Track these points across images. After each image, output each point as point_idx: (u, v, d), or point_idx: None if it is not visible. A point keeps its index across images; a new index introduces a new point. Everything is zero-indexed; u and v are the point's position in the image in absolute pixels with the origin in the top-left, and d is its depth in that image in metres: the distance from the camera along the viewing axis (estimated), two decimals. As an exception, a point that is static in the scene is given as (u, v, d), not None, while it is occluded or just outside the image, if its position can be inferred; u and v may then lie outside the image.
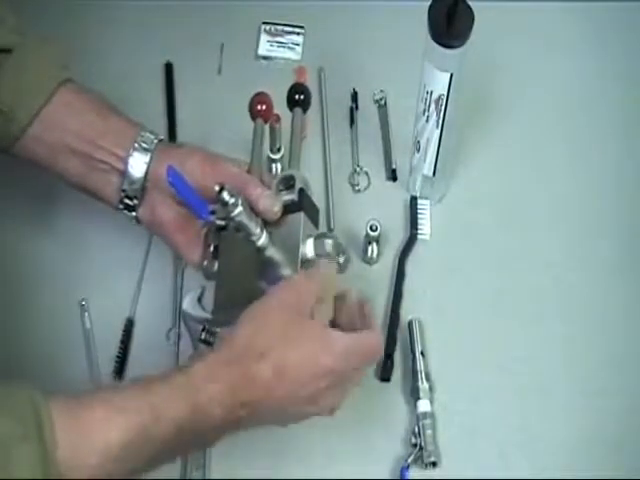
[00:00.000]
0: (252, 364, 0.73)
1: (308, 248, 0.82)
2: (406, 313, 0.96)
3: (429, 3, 0.83)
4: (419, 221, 1.00)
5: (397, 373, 0.94)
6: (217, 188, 0.78)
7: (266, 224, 0.82)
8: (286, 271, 0.81)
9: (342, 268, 0.84)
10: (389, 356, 0.93)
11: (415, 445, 0.89)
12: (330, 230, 1.00)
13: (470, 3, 0.83)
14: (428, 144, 0.95)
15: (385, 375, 0.93)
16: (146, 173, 0.86)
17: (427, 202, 1.01)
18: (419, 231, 1.00)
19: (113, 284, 0.98)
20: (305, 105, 0.91)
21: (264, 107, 0.90)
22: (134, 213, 0.88)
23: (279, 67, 1.09)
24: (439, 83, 0.87)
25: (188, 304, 0.86)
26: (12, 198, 1.00)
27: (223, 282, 0.82)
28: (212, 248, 0.84)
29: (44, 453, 0.64)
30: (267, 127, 0.92)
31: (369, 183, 1.03)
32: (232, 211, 0.79)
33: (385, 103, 1.07)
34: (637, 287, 0.98)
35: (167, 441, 0.70)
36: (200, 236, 0.86)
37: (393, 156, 1.04)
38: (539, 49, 1.10)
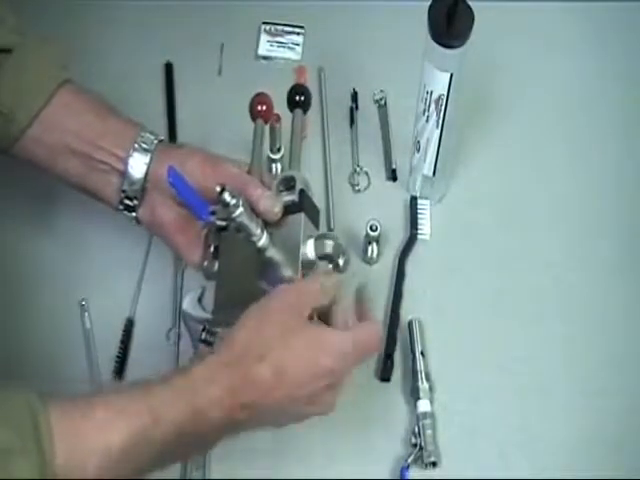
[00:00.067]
0: (252, 366, 0.73)
1: (309, 249, 0.82)
2: (406, 313, 0.96)
3: (429, 3, 0.83)
4: (419, 221, 1.00)
5: (397, 373, 0.94)
6: (218, 189, 0.78)
7: (266, 225, 0.82)
8: (287, 272, 0.81)
9: (342, 269, 0.84)
10: (389, 356, 0.93)
11: (415, 445, 0.89)
12: (330, 230, 1.00)
13: (470, 3, 0.83)
14: (428, 144, 0.95)
15: (385, 375, 0.93)
16: (146, 174, 0.86)
17: (427, 202, 1.01)
18: (419, 231, 1.00)
19: (113, 284, 0.98)
20: (305, 106, 0.91)
21: (264, 107, 0.90)
22: (134, 214, 0.88)
23: (279, 67, 1.09)
24: (439, 83, 0.87)
25: (188, 304, 0.86)
26: (12, 198, 1.00)
27: (223, 282, 0.82)
28: (212, 248, 0.84)
29: (42, 462, 0.64)
30: (267, 127, 0.92)
31: (369, 183, 1.03)
32: (233, 212, 0.79)
33: (385, 103, 1.07)
34: (637, 287, 0.98)
35: (167, 443, 0.70)
36: (200, 237, 0.86)
37: (393, 156, 1.04)
38: (539, 49, 1.10)
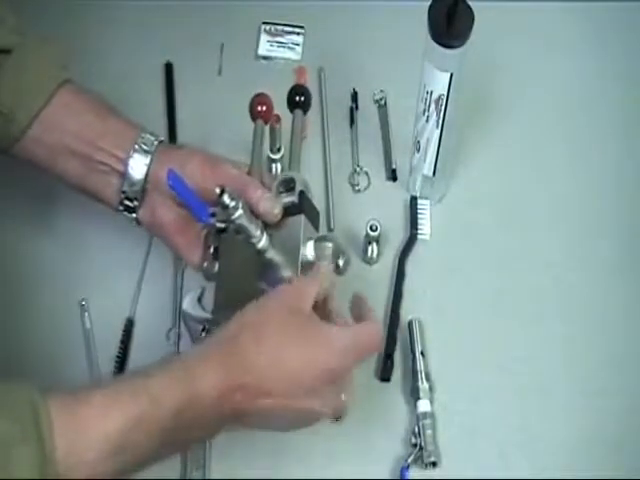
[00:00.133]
0: (248, 349, 0.73)
1: (308, 250, 0.82)
2: (406, 313, 0.96)
3: (429, 3, 0.83)
4: (419, 221, 1.00)
5: (397, 373, 0.94)
6: (218, 191, 0.78)
7: (266, 226, 0.82)
8: (286, 273, 0.81)
9: (342, 270, 0.84)
10: (389, 356, 0.93)
11: (415, 445, 0.89)
12: (330, 230, 1.00)
13: (470, 3, 0.83)
14: (428, 144, 0.95)
15: (385, 375, 0.93)
16: (146, 175, 0.86)
17: (427, 202, 1.01)
18: (419, 231, 1.00)
19: (113, 284, 0.98)
20: (305, 107, 0.91)
21: (264, 108, 0.90)
22: (134, 215, 0.88)
23: (279, 67, 1.09)
24: (439, 83, 0.87)
25: (188, 304, 0.86)
26: (12, 198, 1.00)
27: (223, 284, 0.82)
28: (212, 250, 0.84)
29: (43, 454, 0.64)
30: (267, 127, 0.92)
31: (369, 183, 1.03)
32: (232, 214, 0.79)
33: (385, 103, 1.07)
34: (637, 287, 0.98)
35: (166, 429, 0.69)
36: (200, 238, 0.86)
37: (393, 156, 1.04)
38: (539, 49, 1.10)
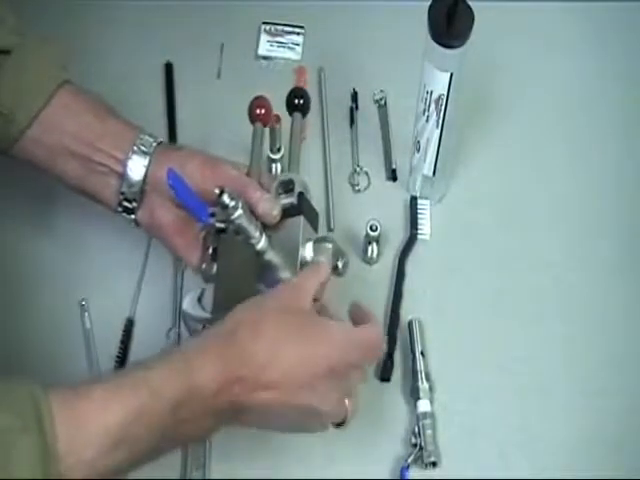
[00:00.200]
0: (246, 341, 0.73)
1: (307, 252, 0.82)
2: (406, 313, 0.96)
3: (429, 3, 0.83)
4: (419, 221, 1.00)
5: (397, 373, 0.94)
6: (217, 191, 0.78)
7: (265, 227, 0.82)
8: (285, 274, 0.81)
9: (341, 272, 0.84)
10: (389, 356, 0.93)
11: (415, 445, 0.89)
12: (330, 230, 1.00)
13: (470, 3, 0.83)
14: (428, 144, 0.95)
15: (385, 375, 0.93)
16: (145, 176, 0.86)
17: (427, 202, 1.01)
18: (419, 231, 1.00)
19: (113, 284, 0.98)
20: (304, 109, 0.91)
21: (263, 111, 0.90)
22: (133, 216, 0.88)
23: (279, 67, 1.09)
24: (439, 83, 0.87)
25: (188, 304, 0.86)
26: (12, 198, 1.00)
27: (222, 285, 0.82)
28: (211, 251, 0.84)
29: (44, 445, 0.64)
30: (267, 128, 0.92)
31: (369, 183, 1.03)
32: (232, 214, 0.79)
33: (385, 103, 1.07)
34: (637, 287, 0.98)
35: (165, 422, 0.69)
36: (199, 239, 0.86)
37: (393, 156, 1.04)
38: (539, 49, 1.10)
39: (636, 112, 1.07)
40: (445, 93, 0.88)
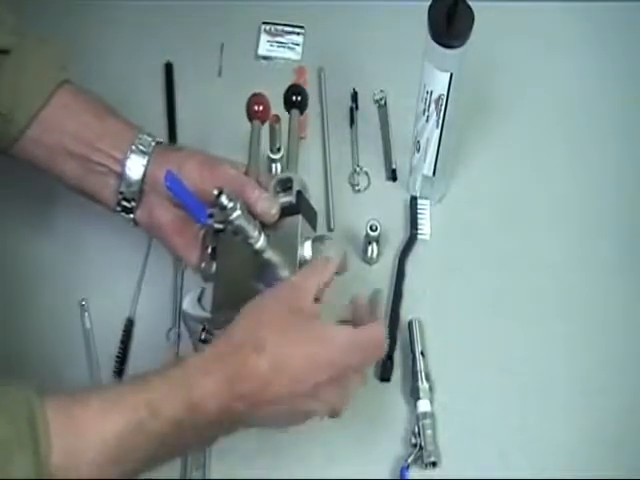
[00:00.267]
0: (248, 356, 0.72)
1: (306, 250, 0.82)
2: (406, 313, 0.96)
3: (429, 3, 0.83)
4: (419, 221, 1.00)
5: (397, 373, 0.94)
6: (215, 192, 0.77)
7: (264, 226, 0.82)
8: (284, 273, 0.81)
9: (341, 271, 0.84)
10: (389, 356, 0.93)
11: (415, 445, 0.89)
12: (330, 230, 1.00)
13: (470, 3, 0.83)
14: (428, 144, 0.95)
15: (385, 375, 0.93)
16: (144, 176, 0.86)
17: (427, 202, 1.01)
18: (419, 231, 1.00)
19: (113, 284, 0.98)
20: (302, 106, 0.91)
21: (261, 108, 0.90)
22: (132, 215, 0.88)
23: (279, 67, 1.09)
24: (439, 83, 0.87)
25: (188, 304, 0.86)
26: (12, 198, 1.00)
27: (221, 284, 0.83)
28: (210, 250, 0.84)
29: (37, 458, 0.64)
30: (267, 127, 0.92)
31: (369, 183, 1.03)
32: (230, 214, 0.78)
33: (385, 103, 1.07)
34: (637, 287, 0.98)
35: (165, 436, 0.69)
36: (198, 238, 0.86)
37: (393, 156, 1.04)
38: (539, 49, 1.10)
39: (636, 112, 1.07)
40: (445, 93, 0.88)
